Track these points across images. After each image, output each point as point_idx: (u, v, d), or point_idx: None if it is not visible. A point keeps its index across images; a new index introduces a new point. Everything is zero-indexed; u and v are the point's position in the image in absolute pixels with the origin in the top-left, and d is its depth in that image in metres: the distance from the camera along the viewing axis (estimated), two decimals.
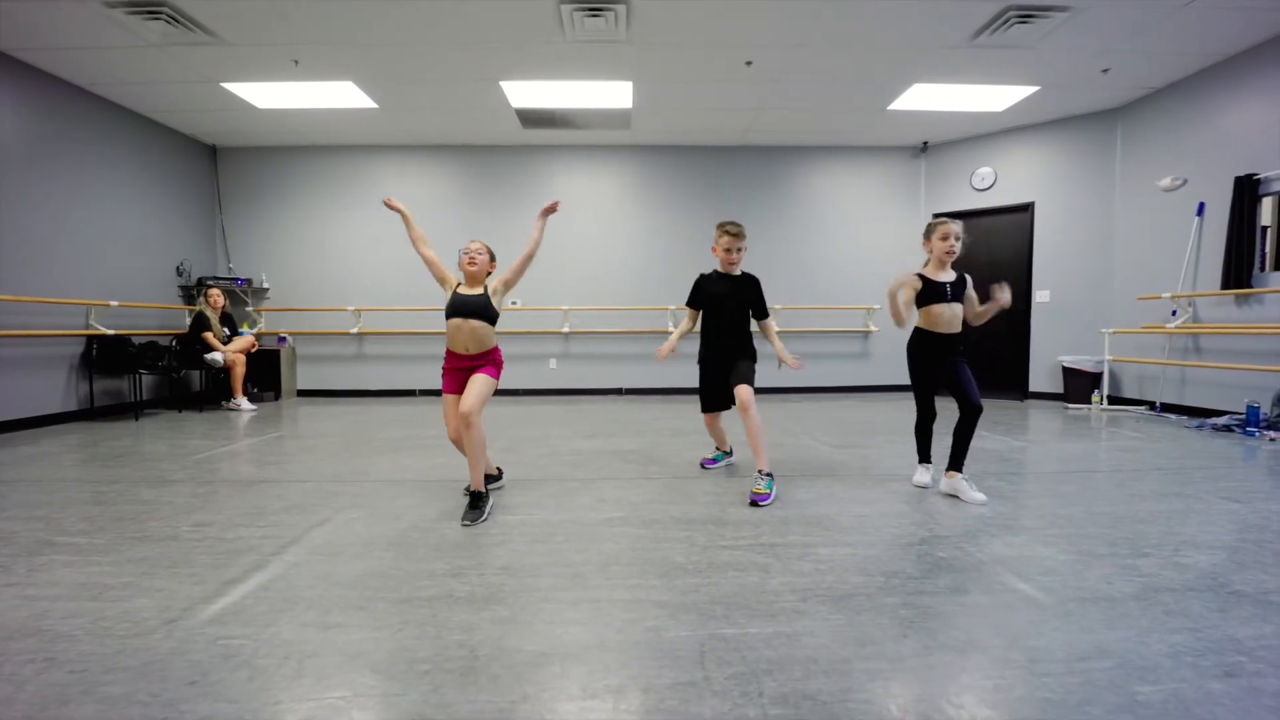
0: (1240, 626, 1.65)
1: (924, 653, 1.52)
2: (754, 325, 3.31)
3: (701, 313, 3.30)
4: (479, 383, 2.76)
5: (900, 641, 1.58)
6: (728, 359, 3.20)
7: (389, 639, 1.62)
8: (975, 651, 1.53)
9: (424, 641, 1.60)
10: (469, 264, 2.85)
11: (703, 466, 3.57)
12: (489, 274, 2.93)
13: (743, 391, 3.01)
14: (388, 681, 1.42)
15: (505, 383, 7.39)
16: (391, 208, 2.98)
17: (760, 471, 2.92)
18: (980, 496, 2.83)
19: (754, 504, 2.80)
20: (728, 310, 3.21)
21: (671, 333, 7.54)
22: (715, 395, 3.31)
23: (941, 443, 3.15)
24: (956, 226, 2.90)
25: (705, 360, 3.31)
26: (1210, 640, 1.58)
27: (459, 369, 2.85)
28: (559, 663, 1.49)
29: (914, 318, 2.99)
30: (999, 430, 4.81)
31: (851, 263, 7.47)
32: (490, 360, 2.88)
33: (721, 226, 3.21)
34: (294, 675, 1.46)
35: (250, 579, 2.01)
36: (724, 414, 3.41)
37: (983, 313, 3.02)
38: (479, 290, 2.86)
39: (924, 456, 3.21)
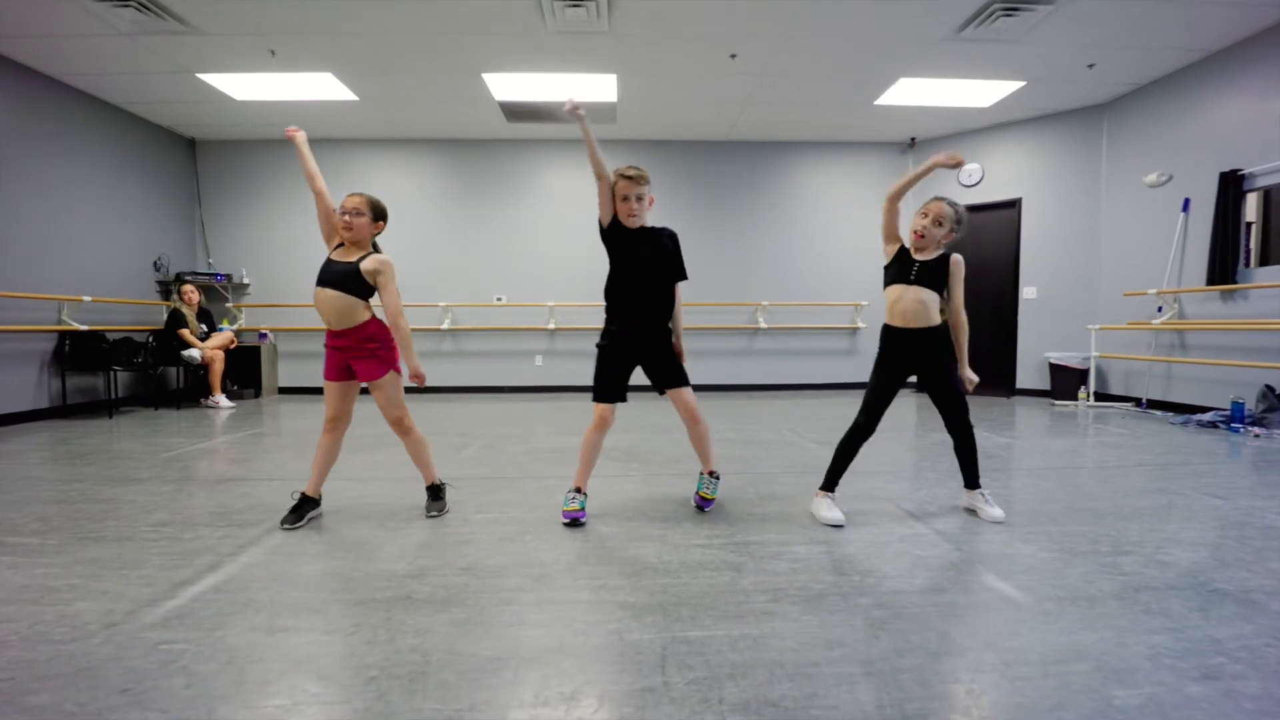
0: (1221, 626, 1.60)
1: (895, 655, 1.46)
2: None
3: (609, 271, 2.58)
4: (380, 390, 2.46)
5: (871, 643, 1.52)
6: (646, 338, 2.54)
7: (339, 643, 1.54)
8: (948, 654, 1.47)
9: (375, 646, 1.53)
10: (345, 228, 2.41)
11: (570, 523, 2.46)
12: (373, 238, 2.52)
13: (687, 396, 2.51)
14: (330, 688, 1.35)
15: (491, 380, 7.31)
16: (291, 138, 2.50)
17: (709, 473, 2.63)
18: (999, 513, 2.47)
19: (701, 509, 2.60)
20: (647, 266, 2.52)
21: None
22: (617, 382, 2.53)
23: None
24: (938, 205, 2.40)
25: (615, 336, 2.54)
26: (1190, 641, 1.53)
27: (333, 348, 2.46)
28: (514, 668, 1.43)
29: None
30: (984, 427, 4.77)
31: (839, 259, 7.42)
32: (371, 342, 2.45)
33: (619, 171, 2.47)
34: (234, 682, 1.38)
35: (202, 580, 1.93)
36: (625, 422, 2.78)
37: (955, 326, 2.51)
38: (352, 258, 2.43)
39: (832, 482, 2.55)
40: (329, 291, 2.40)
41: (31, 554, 2.17)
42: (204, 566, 2.05)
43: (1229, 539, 2.27)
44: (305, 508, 2.50)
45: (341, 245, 2.49)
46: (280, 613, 1.71)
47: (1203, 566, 2.01)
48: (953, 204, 2.43)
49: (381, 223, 2.53)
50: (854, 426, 2.55)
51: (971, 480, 2.59)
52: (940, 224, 2.41)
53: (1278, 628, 1.60)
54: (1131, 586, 1.86)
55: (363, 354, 2.45)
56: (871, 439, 2.58)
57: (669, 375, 2.55)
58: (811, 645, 1.51)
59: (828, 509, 2.49)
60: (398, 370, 2.52)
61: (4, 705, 1.30)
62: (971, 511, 2.60)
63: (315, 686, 1.36)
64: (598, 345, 2.61)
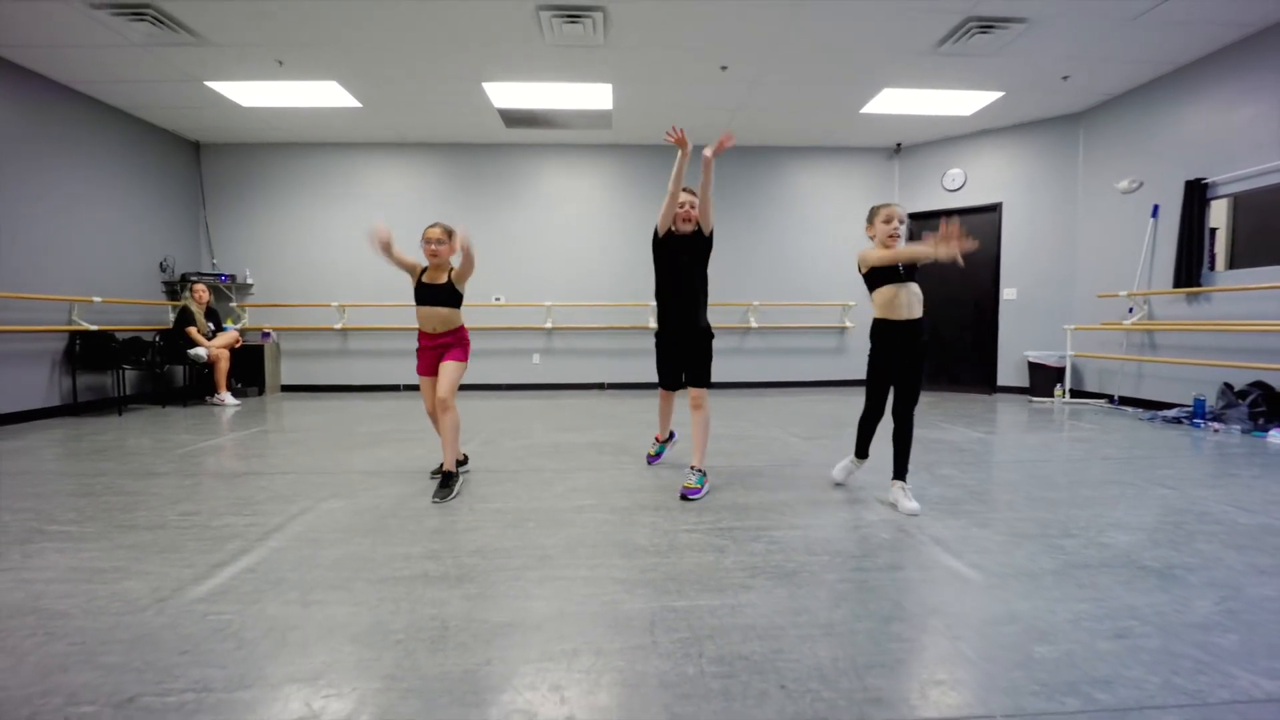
0: (1140, 596, 1.83)
1: (852, 620, 1.69)
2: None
3: (656, 277, 3.23)
4: (450, 370, 3.04)
5: (832, 611, 1.74)
6: (685, 338, 3.15)
7: (366, 614, 1.75)
8: (898, 619, 1.70)
9: (398, 615, 1.74)
10: (432, 255, 3.03)
11: (649, 463, 3.58)
12: (451, 255, 3.14)
13: (697, 394, 3.07)
14: (363, 649, 1.56)
15: (490, 378, 7.52)
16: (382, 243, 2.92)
17: (694, 467, 2.99)
18: (914, 505, 2.66)
19: (684, 498, 2.85)
20: (686, 271, 3.12)
21: (652, 328, 7.74)
22: (672, 374, 3.29)
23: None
24: (900, 210, 2.73)
25: (662, 338, 3.26)
26: (1110, 608, 1.76)
27: (430, 347, 3.11)
28: (522, 632, 1.64)
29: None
30: (962, 422, 5.01)
31: (828, 261, 7.65)
32: (458, 340, 3.13)
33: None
34: (278, 645, 1.59)
35: (237, 562, 2.13)
36: (676, 396, 3.48)
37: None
38: (443, 279, 3.08)
39: (862, 452, 3.06)
40: (437, 309, 3.05)
41: (73, 540, 2.36)
42: (235, 550, 2.25)
43: (1167, 524, 2.51)
44: (452, 480, 2.95)
45: (427, 269, 3.08)
46: (311, 589, 1.92)
47: (1137, 547, 2.24)
48: (901, 208, 2.77)
49: (454, 240, 3.09)
50: (865, 413, 2.98)
51: (901, 471, 2.79)
52: (904, 222, 2.76)
53: (1189, 597, 1.83)
54: (1070, 565, 2.08)
55: (455, 345, 3.11)
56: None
57: (695, 375, 3.15)
58: (781, 612, 1.73)
59: (842, 466, 3.15)
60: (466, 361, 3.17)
61: (81, 664, 1.51)
62: (891, 504, 2.75)
63: (350, 647, 1.57)
64: (655, 336, 3.33)
